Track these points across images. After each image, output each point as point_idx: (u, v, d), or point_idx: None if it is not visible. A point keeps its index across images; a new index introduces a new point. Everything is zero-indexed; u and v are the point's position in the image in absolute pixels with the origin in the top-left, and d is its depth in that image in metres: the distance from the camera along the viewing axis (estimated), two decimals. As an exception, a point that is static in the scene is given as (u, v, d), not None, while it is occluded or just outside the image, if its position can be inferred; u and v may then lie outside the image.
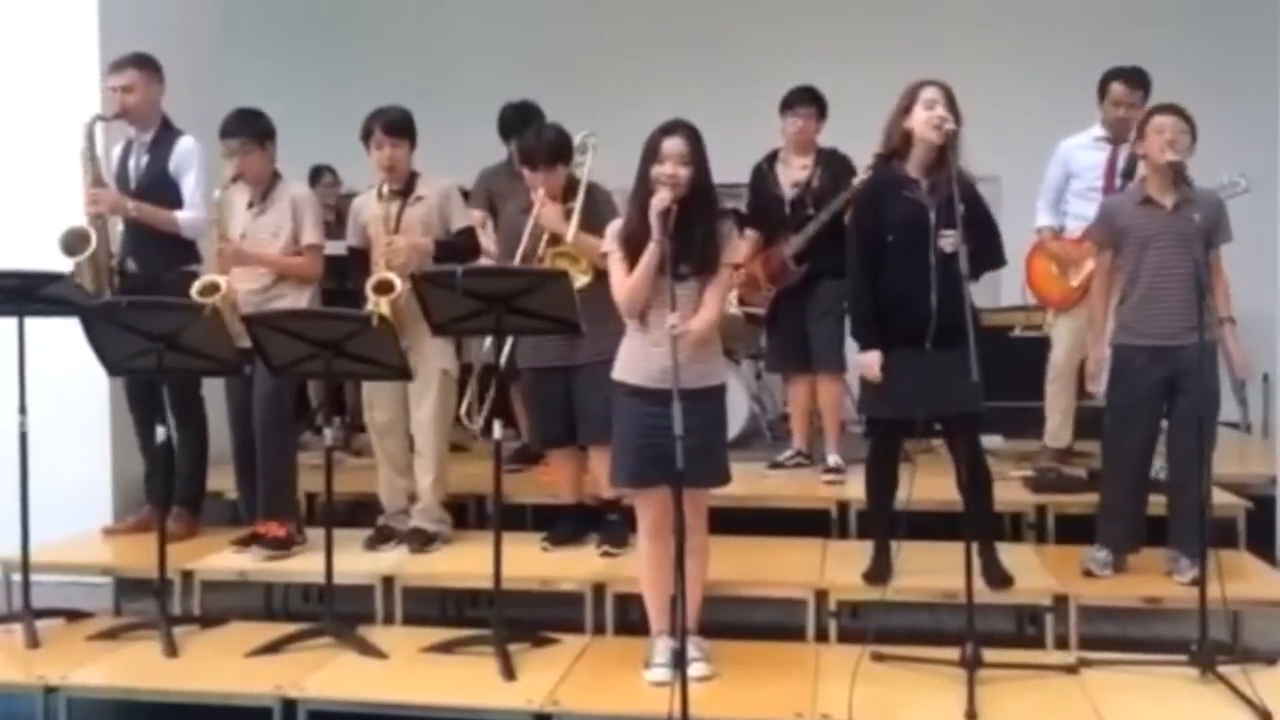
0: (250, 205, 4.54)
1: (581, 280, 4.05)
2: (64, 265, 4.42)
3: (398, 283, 4.29)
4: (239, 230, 4.51)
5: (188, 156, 4.71)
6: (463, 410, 4.69)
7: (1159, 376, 3.92)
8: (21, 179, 5.09)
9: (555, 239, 4.25)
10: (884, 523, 3.98)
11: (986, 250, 3.73)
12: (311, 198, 4.69)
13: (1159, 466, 4.11)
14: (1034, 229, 5.15)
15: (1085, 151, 5.06)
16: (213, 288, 4.31)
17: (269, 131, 4.50)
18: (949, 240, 3.53)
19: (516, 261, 4.29)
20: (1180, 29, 7.31)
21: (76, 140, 4.58)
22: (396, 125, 4.45)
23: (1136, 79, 4.92)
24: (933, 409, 3.61)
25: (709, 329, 3.40)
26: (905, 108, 3.72)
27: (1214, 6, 7.24)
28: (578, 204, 4.28)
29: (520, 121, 5.18)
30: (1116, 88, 4.93)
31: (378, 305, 4.30)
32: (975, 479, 3.77)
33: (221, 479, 5.04)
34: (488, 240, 4.91)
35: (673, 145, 3.35)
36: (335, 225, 5.37)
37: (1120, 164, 4.92)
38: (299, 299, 4.50)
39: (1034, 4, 7.52)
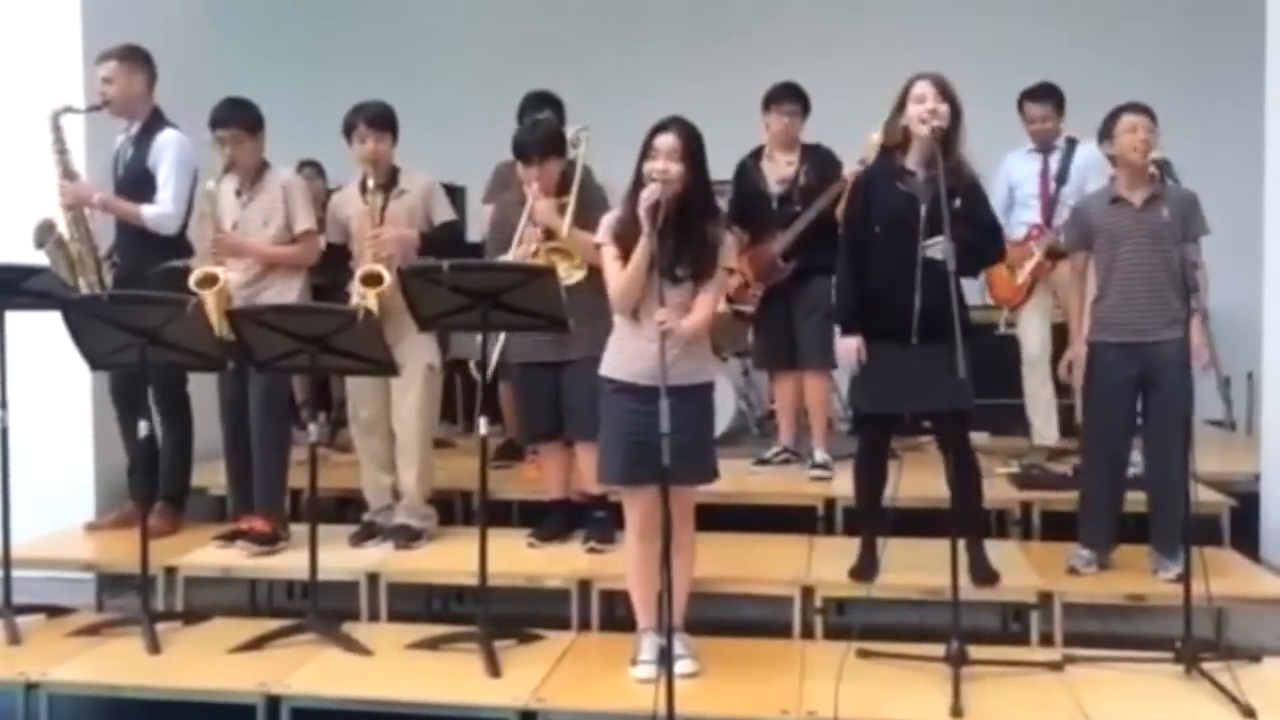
0: (239, 194, 4.51)
1: (575, 276, 4.04)
2: (41, 257, 4.40)
3: (386, 275, 4.27)
4: (230, 220, 4.47)
5: (164, 150, 4.68)
6: (471, 364, 4.62)
7: (1131, 373, 3.94)
8: (4, 171, 5.04)
9: (549, 233, 4.24)
10: (871, 520, 3.97)
11: (980, 245, 3.74)
12: (301, 183, 4.67)
13: (1137, 463, 4.13)
14: None
15: (1020, 163, 5.47)
16: (211, 279, 4.29)
17: (258, 120, 4.49)
18: (937, 248, 3.52)
19: (510, 255, 4.27)
20: (1164, 26, 7.33)
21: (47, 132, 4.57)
22: (379, 119, 4.43)
23: (1043, 94, 5.38)
24: (922, 405, 3.61)
25: (699, 330, 3.40)
26: (900, 104, 3.73)
27: (1197, 4, 7.26)
28: (571, 198, 4.26)
29: (543, 111, 5.08)
30: (1030, 107, 5.39)
31: (365, 298, 4.28)
32: (965, 475, 3.77)
33: (205, 475, 5.02)
34: None
35: (663, 141, 3.34)
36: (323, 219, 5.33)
37: (1053, 169, 5.33)
38: (287, 290, 4.48)
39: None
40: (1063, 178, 5.32)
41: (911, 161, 3.75)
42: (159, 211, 4.64)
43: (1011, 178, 5.46)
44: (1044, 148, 5.40)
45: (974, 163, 3.75)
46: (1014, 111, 5.47)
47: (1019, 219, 5.38)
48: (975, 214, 3.71)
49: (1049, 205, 5.34)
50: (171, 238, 4.67)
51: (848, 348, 3.82)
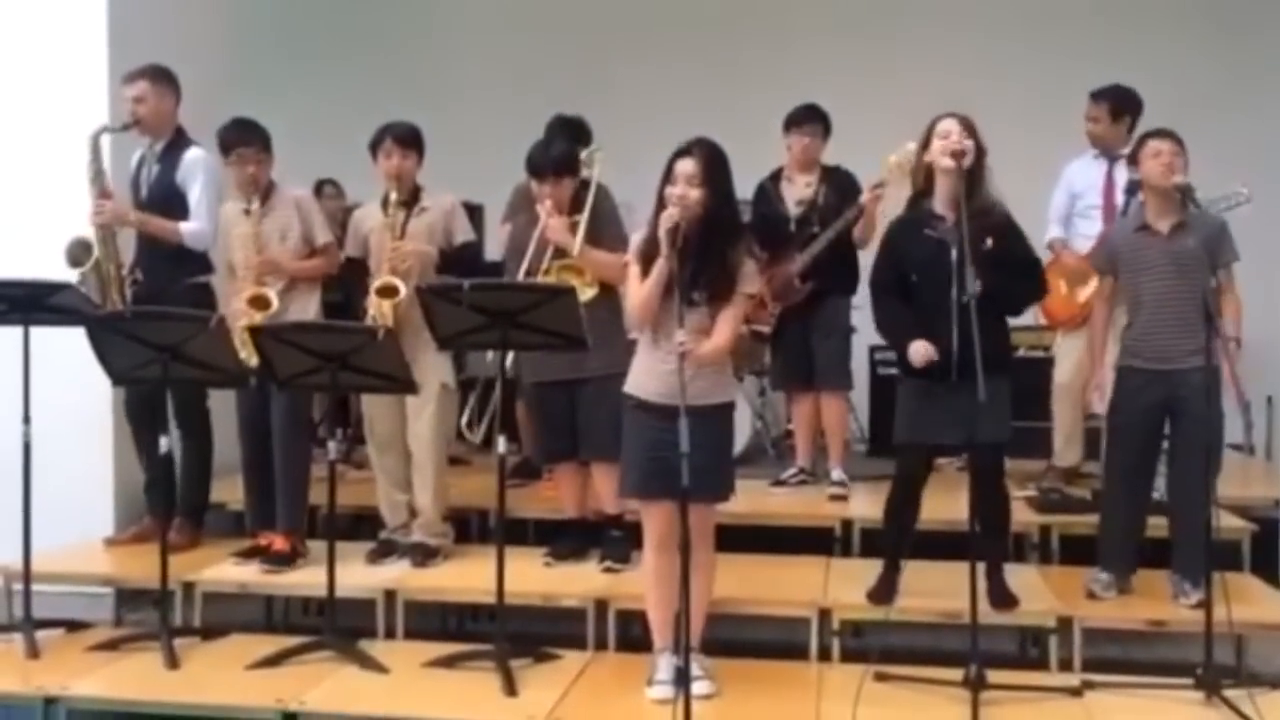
0: (247, 213, 4.52)
1: (588, 293, 4.05)
2: (72, 275, 4.43)
3: (401, 287, 4.30)
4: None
5: (194, 167, 4.73)
6: (463, 422, 4.70)
7: (1156, 399, 3.92)
8: (31, 190, 5.07)
9: (561, 251, 4.26)
10: (898, 546, 3.94)
11: (1020, 286, 3.74)
12: (313, 199, 4.74)
13: (1159, 488, 4.11)
14: (1045, 244, 5.07)
15: (1084, 170, 5.18)
16: (264, 302, 4.33)
17: (269, 138, 4.55)
18: (972, 286, 3.49)
19: (522, 273, 4.30)
20: (1186, 51, 7.30)
21: (85, 151, 4.60)
22: (406, 137, 4.49)
23: (1099, 94, 5.08)
24: (960, 436, 3.56)
25: (717, 354, 3.40)
26: (924, 144, 3.74)
27: (1222, 31, 7.24)
28: (584, 217, 4.29)
29: (568, 136, 5.10)
30: (1087, 105, 5.10)
31: (380, 308, 4.31)
32: (995, 505, 3.76)
33: (224, 489, 5.04)
34: None
35: (684, 166, 3.36)
36: (340, 237, 5.37)
37: (1120, 181, 4.97)
38: (307, 307, 4.52)
39: (1037, 23, 7.51)
40: (1133, 189, 4.71)
41: (939, 205, 3.74)
42: (196, 228, 4.68)
43: (1074, 185, 5.16)
44: (1107, 154, 5.07)
45: (1004, 199, 3.73)
46: (1050, 128, 5.39)
47: (1079, 231, 5.09)
48: (1012, 253, 3.69)
49: (1113, 218, 4.89)
50: (196, 254, 4.71)
51: (916, 350, 3.68)
